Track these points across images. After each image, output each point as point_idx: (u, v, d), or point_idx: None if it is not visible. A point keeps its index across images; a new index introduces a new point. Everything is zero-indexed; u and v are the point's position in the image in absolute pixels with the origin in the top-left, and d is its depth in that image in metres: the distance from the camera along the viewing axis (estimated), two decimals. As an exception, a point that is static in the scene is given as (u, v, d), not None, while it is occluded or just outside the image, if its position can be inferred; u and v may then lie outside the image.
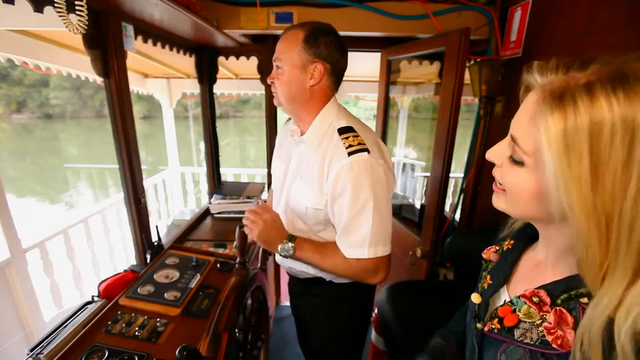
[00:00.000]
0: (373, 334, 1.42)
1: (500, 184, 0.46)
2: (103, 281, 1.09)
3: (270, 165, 2.12)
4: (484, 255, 0.62)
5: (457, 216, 1.80)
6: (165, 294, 1.01)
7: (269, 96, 2.02)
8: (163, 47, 1.49)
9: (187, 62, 2.25)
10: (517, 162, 0.42)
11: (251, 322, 1.10)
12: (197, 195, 3.77)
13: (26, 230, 1.89)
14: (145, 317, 0.92)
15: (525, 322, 0.45)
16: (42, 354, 0.81)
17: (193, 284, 1.07)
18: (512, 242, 0.57)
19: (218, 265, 1.22)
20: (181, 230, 1.70)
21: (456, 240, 1.51)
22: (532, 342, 0.43)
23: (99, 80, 1.20)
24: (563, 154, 0.35)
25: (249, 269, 1.02)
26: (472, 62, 1.52)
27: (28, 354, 0.82)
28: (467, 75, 1.37)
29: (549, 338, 0.41)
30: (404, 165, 3.79)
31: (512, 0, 1.38)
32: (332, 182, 0.86)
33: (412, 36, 1.62)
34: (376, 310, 1.43)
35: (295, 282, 1.16)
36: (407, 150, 4.06)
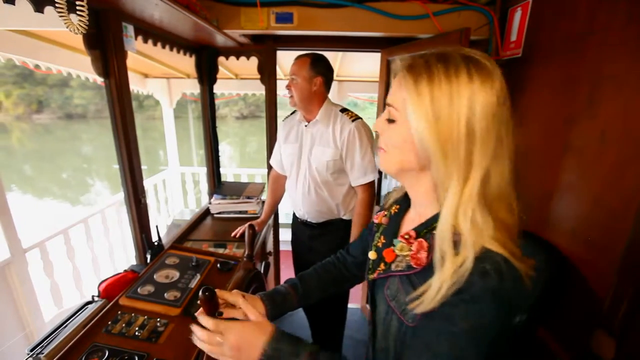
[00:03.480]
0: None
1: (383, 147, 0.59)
2: (103, 281, 1.09)
3: (269, 165, 2.15)
4: (375, 220, 0.75)
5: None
6: (165, 294, 1.01)
7: (269, 97, 2.03)
8: (163, 47, 1.50)
9: (187, 62, 2.25)
10: (391, 122, 0.56)
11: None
12: (197, 195, 3.77)
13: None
14: (145, 317, 0.92)
15: (399, 255, 0.59)
16: (42, 354, 0.81)
17: (193, 284, 1.08)
18: (397, 206, 0.71)
19: (218, 265, 1.22)
20: (181, 230, 1.70)
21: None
22: (401, 269, 0.57)
23: (99, 80, 1.20)
24: (416, 98, 0.50)
25: (255, 263, 1.03)
26: (472, 62, 1.52)
27: (28, 354, 0.82)
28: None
29: (412, 262, 0.55)
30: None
31: (512, 1, 1.37)
32: (346, 139, 1.41)
33: (412, 36, 1.62)
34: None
35: (312, 226, 1.59)
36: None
